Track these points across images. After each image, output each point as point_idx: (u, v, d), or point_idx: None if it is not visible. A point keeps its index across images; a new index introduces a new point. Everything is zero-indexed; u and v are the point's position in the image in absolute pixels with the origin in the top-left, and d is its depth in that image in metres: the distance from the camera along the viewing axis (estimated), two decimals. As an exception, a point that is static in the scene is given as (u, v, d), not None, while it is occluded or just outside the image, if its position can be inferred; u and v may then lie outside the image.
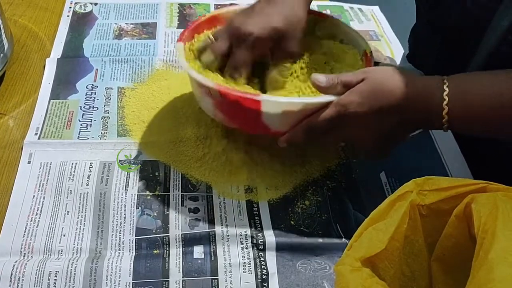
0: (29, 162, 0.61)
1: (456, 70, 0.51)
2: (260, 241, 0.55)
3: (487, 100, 0.48)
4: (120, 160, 0.62)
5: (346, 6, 0.93)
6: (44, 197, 0.58)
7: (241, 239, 0.56)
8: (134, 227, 0.56)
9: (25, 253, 0.53)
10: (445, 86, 0.48)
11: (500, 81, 0.48)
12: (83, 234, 0.55)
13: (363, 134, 0.53)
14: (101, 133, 0.66)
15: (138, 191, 0.59)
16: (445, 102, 0.48)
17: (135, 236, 0.55)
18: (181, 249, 0.54)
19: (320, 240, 0.56)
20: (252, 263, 0.54)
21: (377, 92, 0.50)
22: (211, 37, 0.60)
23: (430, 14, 0.71)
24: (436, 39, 0.71)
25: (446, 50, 0.69)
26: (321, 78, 0.53)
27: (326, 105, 0.52)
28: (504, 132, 0.51)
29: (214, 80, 0.56)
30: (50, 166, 0.61)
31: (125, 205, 0.58)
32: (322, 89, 0.53)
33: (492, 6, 0.56)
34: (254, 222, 0.57)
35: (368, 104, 0.50)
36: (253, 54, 0.58)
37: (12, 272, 0.50)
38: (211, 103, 0.56)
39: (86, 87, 0.72)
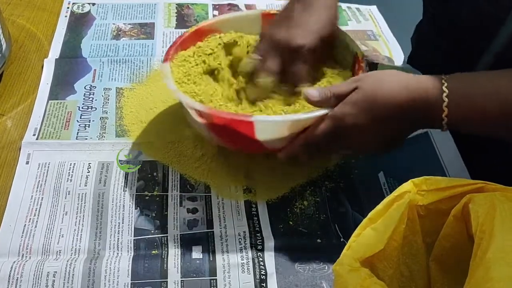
0: (27, 163, 0.61)
1: (464, 71, 0.50)
2: (259, 242, 0.55)
3: (488, 100, 0.46)
4: (120, 160, 0.62)
5: (344, 5, 0.93)
6: (42, 198, 0.58)
7: (240, 239, 0.56)
8: (133, 228, 0.56)
9: (23, 254, 0.53)
10: (444, 87, 0.47)
11: (503, 80, 0.47)
12: (81, 234, 0.55)
13: (362, 142, 0.52)
14: (100, 133, 0.66)
15: (136, 192, 0.59)
16: (444, 104, 0.47)
17: (134, 236, 0.55)
18: (179, 249, 0.54)
19: (319, 240, 0.56)
20: (250, 263, 0.54)
21: (371, 101, 0.49)
22: (257, 56, 0.58)
23: (438, 10, 0.69)
24: (442, 38, 0.70)
25: (453, 50, 0.67)
26: (313, 92, 0.52)
27: (321, 118, 0.51)
28: (505, 134, 0.49)
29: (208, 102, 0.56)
30: (48, 167, 0.61)
31: (123, 206, 0.58)
32: (315, 103, 0.52)
33: (507, 5, 0.54)
34: (253, 222, 0.57)
35: (363, 114, 0.49)
36: (307, 66, 0.57)
37: (10, 273, 0.50)
38: (204, 126, 0.55)
39: (85, 88, 0.72)
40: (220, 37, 0.64)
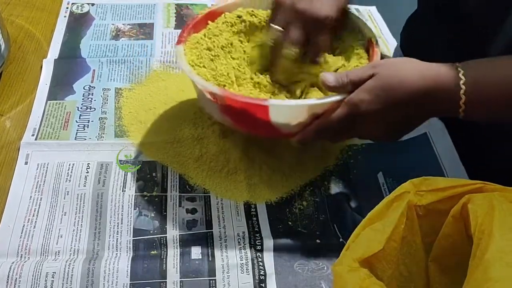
0: (26, 163, 0.61)
1: (469, 59, 0.49)
2: (258, 242, 0.55)
3: (505, 84, 0.47)
4: (120, 160, 0.62)
5: (343, 6, 0.93)
6: (41, 198, 0.58)
7: (239, 239, 0.56)
8: (132, 228, 0.56)
9: (22, 254, 0.53)
10: (460, 75, 0.47)
11: None
12: (80, 235, 0.55)
13: (375, 129, 0.53)
14: (98, 134, 0.66)
15: (135, 192, 0.59)
16: (461, 92, 0.47)
17: (133, 237, 0.55)
18: (178, 249, 0.54)
19: (318, 240, 0.56)
20: (249, 263, 0.54)
21: (387, 88, 0.49)
22: (278, 28, 0.56)
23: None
24: (442, 28, 0.68)
25: (456, 40, 0.65)
26: (329, 77, 0.52)
27: (336, 104, 0.51)
28: None
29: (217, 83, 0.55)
30: (47, 167, 0.61)
31: (122, 206, 0.58)
32: (331, 89, 0.52)
33: None
34: (252, 223, 0.57)
35: (380, 101, 0.49)
36: (330, 37, 0.57)
37: (9, 274, 0.50)
38: (217, 109, 0.55)
39: (83, 88, 0.71)
40: (224, 16, 0.62)
